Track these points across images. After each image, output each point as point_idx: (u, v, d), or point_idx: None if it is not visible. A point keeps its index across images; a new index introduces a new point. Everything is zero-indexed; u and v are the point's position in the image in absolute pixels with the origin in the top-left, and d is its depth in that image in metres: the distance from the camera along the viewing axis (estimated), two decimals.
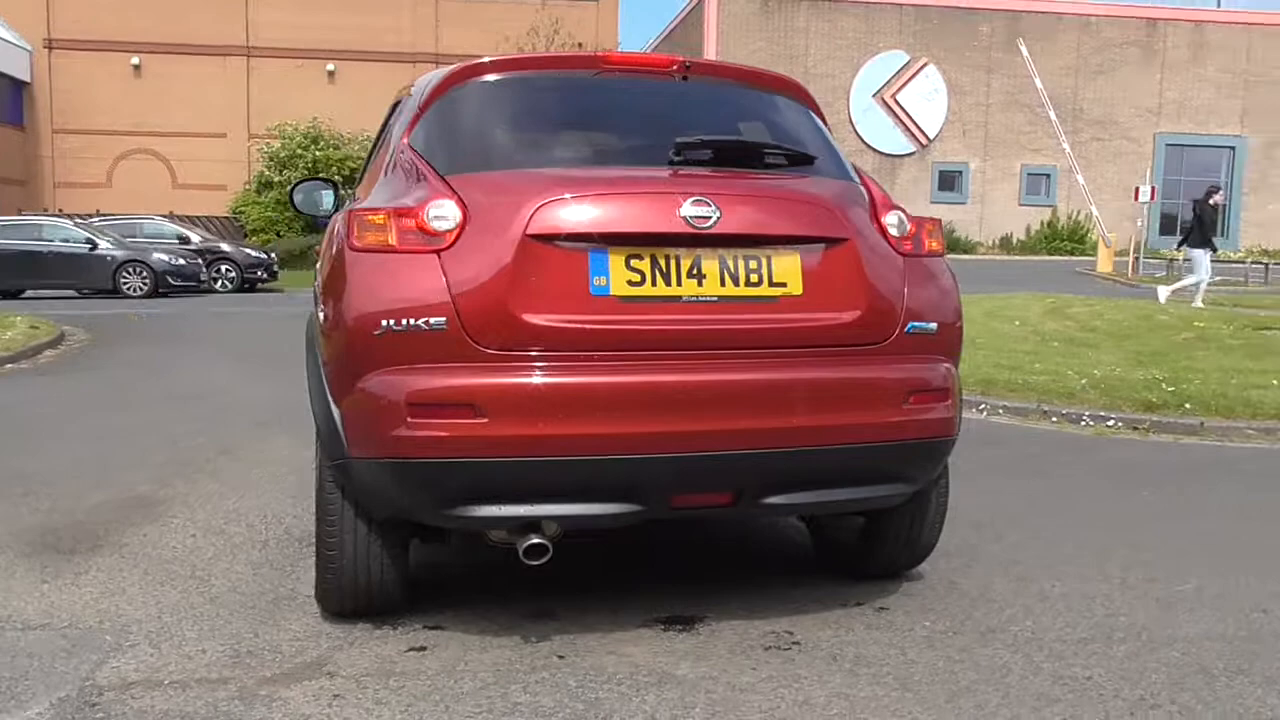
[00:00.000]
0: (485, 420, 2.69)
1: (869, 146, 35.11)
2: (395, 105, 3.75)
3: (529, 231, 2.77)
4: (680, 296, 2.85)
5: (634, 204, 2.90)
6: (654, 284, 2.83)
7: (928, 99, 35.46)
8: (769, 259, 2.92)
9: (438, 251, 2.79)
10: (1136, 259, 25.41)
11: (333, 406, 2.91)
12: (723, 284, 2.87)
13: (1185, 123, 37.21)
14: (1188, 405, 6.83)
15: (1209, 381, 7.57)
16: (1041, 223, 35.68)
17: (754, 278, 2.90)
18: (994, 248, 35.41)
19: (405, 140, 3.23)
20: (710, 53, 33.57)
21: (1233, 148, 37.50)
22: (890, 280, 3.04)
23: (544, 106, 3.34)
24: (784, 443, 2.85)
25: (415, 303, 2.76)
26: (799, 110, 3.48)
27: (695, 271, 2.86)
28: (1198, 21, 37.34)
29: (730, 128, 3.32)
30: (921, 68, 35.35)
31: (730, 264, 2.88)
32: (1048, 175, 36.45)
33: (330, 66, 33.07)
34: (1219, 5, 40.95)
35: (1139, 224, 27.46)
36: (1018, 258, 33.58)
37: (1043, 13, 35.98)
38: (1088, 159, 35.20)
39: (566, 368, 2.77)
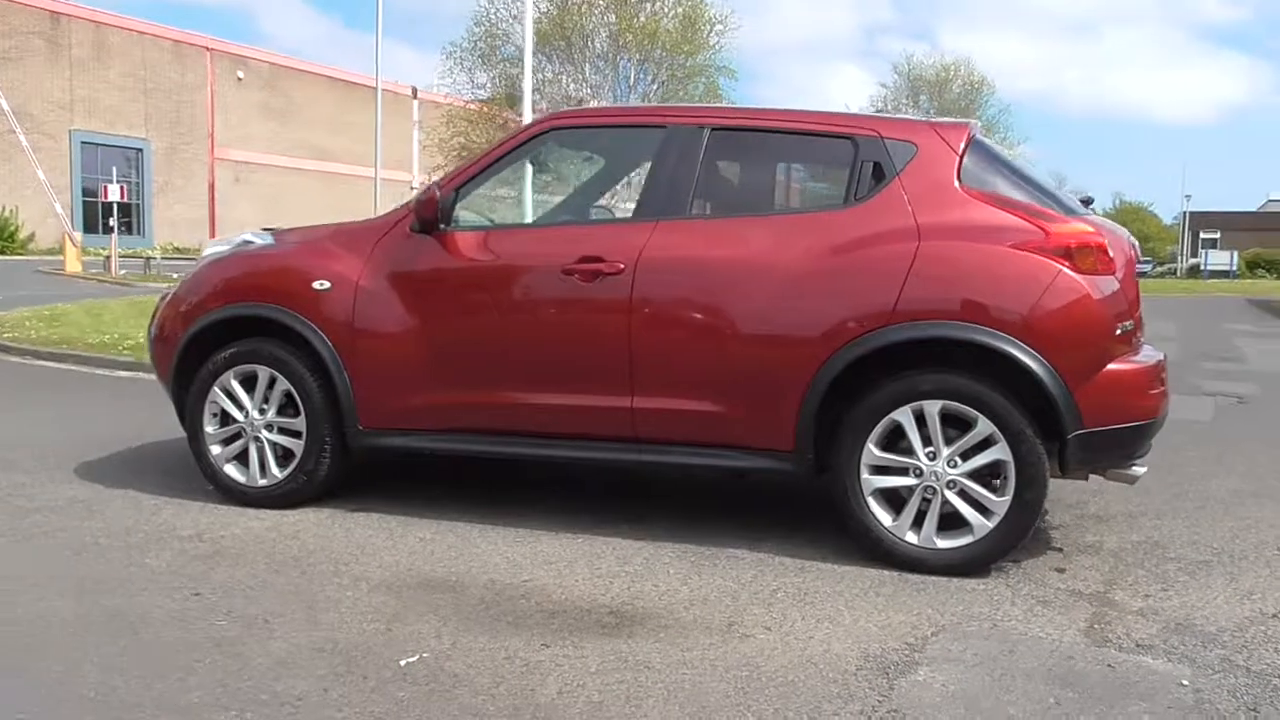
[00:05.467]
0: (1163, 390, 4.02)
1: None
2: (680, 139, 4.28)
3: (1131, 262, 4.11)
4: None
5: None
6: None
7: None
8: None
9: (1115, 275, 3.93)
10: (109, 257, 25.31)
11: (1069, 392, 3.76)
12: None
13: (96, 121, 37.81)
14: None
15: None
16: None
17: None
18: None
19: (956, 181, 4.01)
20: None
21: (140, 150, 39.43)
22: None
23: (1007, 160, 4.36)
24: None
25: (1126, 310, 3.90)
26: None
27: None
28: (98, 23, 37.96)
29: None
30: None
31: None
32: None
33: None
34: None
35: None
36: None
37: None
38: (7, 153, 33.38)
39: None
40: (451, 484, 5.20)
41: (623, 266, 4.16)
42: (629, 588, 3.69)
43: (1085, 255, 3.84)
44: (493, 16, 25.55)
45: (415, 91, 36.51)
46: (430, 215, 4.34)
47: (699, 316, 4.11)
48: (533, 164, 4.87)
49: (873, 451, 3.93)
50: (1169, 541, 4.45)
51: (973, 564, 3.87)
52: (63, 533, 4.25)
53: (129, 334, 10.63)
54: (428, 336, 4.40)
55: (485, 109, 26.50)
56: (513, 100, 26.38)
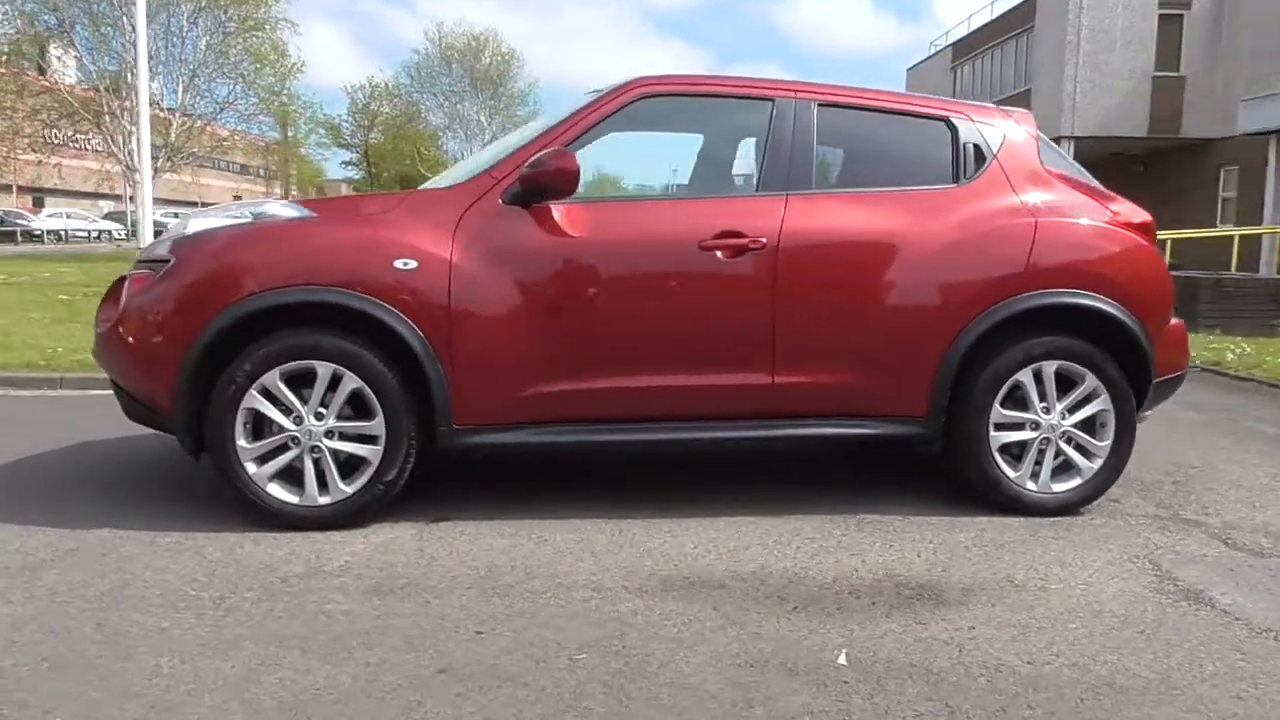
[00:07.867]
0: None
1: None
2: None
3: None
4: None
5: None
6: None
7: None
8: None
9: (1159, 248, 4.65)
10: None
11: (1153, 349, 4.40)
12: None
13: None
14: None
15: None
16: None
17: None
18: None
19: (1039, 163, 4.48)
20: None
21: None
22: None
23: None
24: None
25: None
26: None
27: None
28: None
29: None
30: None
31: None
32: None
33: None
34: None
35: None
36: None
37: None
38: None
39: None
40: (475, 484, 4.70)
41: (765, 241, 4.09)
42: (864, 562, 3.72)
43: (1150, 230, 4.50)
44: None
45: None
46: (568, 187, 3.92)
47: (843, 289, 4.17)
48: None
49: (999, 410, 4.28)
50: (1134, 472, 5.29)
51: (1079, 503, 4.40)
52: (141, 586, 3.30)
53: None
54: (545, 319, 3.98)
55: None
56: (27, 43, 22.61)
